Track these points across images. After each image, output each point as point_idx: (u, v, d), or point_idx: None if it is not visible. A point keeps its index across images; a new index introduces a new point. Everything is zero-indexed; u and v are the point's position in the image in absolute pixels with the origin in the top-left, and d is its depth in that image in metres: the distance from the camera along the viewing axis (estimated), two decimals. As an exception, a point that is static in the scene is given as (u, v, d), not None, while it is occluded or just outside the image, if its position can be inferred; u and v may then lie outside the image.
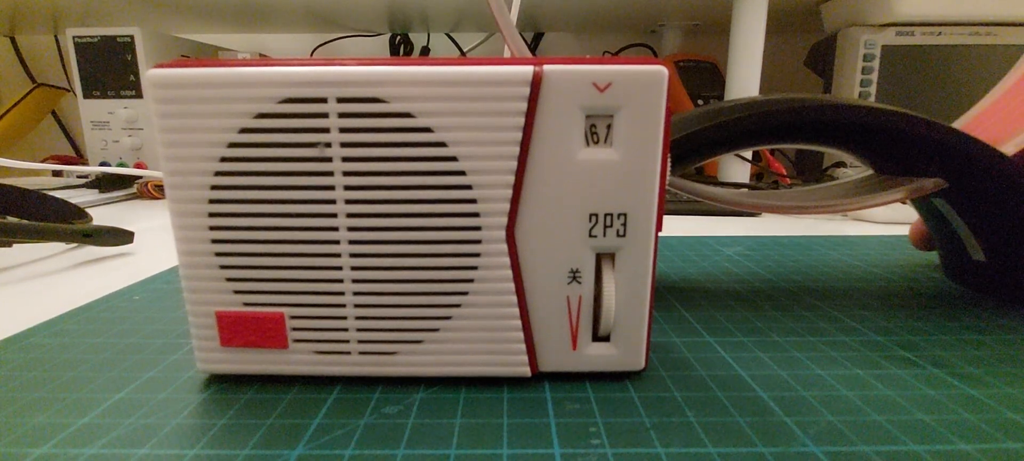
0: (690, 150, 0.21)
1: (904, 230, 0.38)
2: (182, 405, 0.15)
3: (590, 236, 0.15)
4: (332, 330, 0.15)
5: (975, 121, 0.25)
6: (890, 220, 0.41)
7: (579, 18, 0.68)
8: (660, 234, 0.31)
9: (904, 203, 0.22)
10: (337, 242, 0.15)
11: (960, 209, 0.22)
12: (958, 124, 0.25)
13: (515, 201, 0.15)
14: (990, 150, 0.20)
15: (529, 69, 0.14)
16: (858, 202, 0.22)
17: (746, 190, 0.28)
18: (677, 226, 0.40)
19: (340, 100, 0.14)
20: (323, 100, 0.14)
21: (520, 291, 0.15)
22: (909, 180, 0.21)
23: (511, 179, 0.14)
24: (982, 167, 0.20)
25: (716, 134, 0.20)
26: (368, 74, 0.14)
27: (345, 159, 0.14)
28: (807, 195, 0.23)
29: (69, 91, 0.76)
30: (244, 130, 0.14)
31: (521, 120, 0.14)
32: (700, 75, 0.65)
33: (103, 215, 0.45)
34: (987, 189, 0.21)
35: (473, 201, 0.14)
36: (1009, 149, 0.22)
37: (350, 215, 0.15)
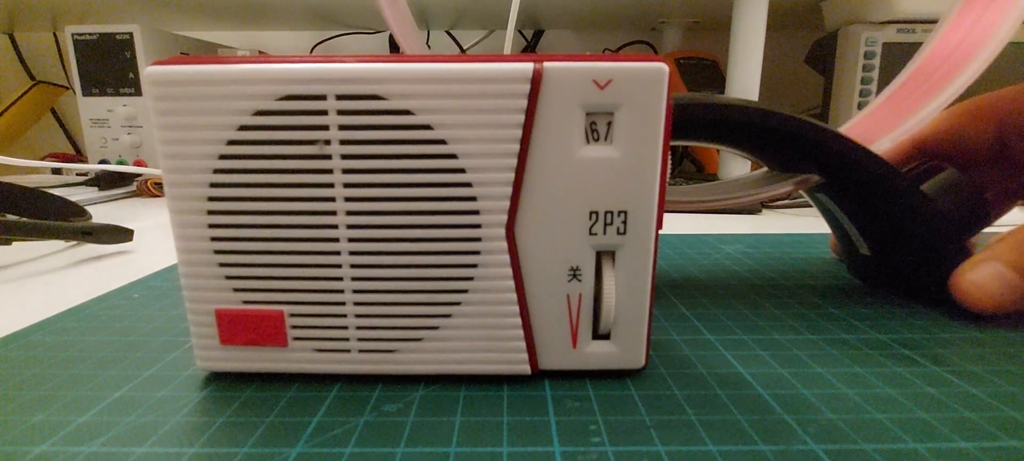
0: None
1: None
2: (181, 403, 0.15)
3: (590, 234, 0.15)
4: (332, 328, 0.15)
5: (857, 124, 0.28)
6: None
7: (580, 15, 0.68)
8: (660, 231, 0.31)
9: (791, 195, 0.24)
10: (337, 240, 0.15)
11: (840, 203, 0.24)
12: (844, 127, 0.28)
13: (515, 199, 0.14)
14: (859, 147, 0.21)
15: (529, 66, 0.14)
16: (752, 194, 0.23)
17: None
18: (678, 224, 0.40)
19: (339, 97, 0.14)
20: (322, 97, 0.14)
21: (520, 289, 0.15)
22: (797, 175, 0.23)
23: (511, 177, 0.14)
24: (852, 163, 0.21)
25: None
26: (367, 71, 0.14)
27: (344, 156, 0.14)
28: (705, 190, 0.24)
29: (68, 89, 0.76)
30: (243, 127, 0.14)
31: (521, 117, 0.14)
32: (701, 72, 0.65)
33: (102, 213, 0.45)
34: (860, 184, 0.22)
35: (473, 199, 0.14)
36: (882, 145, 0.24)
37: (350, 212, 0.14)
